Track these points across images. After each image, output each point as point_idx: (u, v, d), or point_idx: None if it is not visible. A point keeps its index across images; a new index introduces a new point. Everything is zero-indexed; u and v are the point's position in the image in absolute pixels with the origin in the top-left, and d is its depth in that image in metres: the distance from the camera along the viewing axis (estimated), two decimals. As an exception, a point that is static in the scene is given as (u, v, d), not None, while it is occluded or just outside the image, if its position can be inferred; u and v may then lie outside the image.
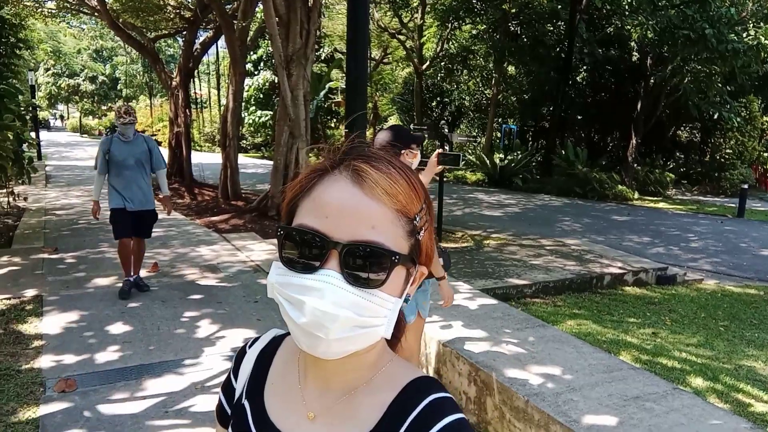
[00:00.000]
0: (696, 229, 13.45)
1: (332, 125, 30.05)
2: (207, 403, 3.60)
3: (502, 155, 21.84)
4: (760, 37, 14.92)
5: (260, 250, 7.55)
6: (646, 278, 8.43)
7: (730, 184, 20.74)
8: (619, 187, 18.38)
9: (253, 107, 28.17)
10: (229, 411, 0.95)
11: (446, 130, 26.65)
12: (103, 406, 3.46)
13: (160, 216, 6.11)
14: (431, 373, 3.51)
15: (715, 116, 18.65)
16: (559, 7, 21.48)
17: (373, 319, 0.74)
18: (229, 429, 0.91)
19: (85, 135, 50.41)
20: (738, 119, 18.81)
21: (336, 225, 0.72)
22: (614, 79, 22.98)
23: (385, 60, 29.85)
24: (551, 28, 23.36)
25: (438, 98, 29.75)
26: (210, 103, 32.81)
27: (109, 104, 52.84)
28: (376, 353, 0.83)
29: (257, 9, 14.25)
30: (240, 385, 0.94)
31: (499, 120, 27.87)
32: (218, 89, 23.36)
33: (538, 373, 3.14)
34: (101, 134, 47.13)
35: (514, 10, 22.27)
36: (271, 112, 25.83)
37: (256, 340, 0.97)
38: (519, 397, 2.90)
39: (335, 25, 26.91)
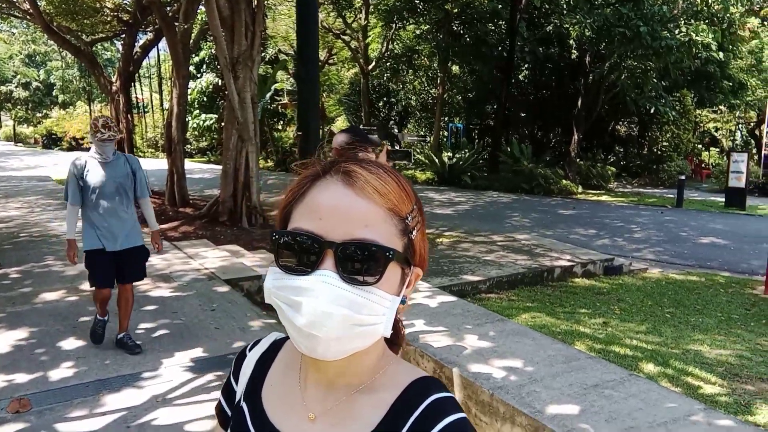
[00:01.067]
0: (638, 220, 13.97)
1: (279, 127, 29.76)
2: (169, 415, 3.52)
3: (450, 154, 22.14)
4: (691, 33, 15.63)
5: (214, 257, 7.42)
6: (594, 269, 8.71)
7: (668, 176, 21.65)
8: (564, 181, 18.91)
9: (197, 111, 27.62)
10: (229, 413, 0.95)
11: (396, 130, 26.84)
12: (60, 424, 3.34)
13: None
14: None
15: (652, 110, 19.41)
16: (500, 6, 21.90)
17: (371, 317, 0.74)
18: (228, 431, 0.91)
19: (20, 144, 48.30)
20: (673, 113, 19.64)
21: (329, 225, 0.74)
22: (555, 76, 23.64)
23: (331, 61, 29.78)
24: (493, 28, 23.81)
25: (384, 98, 29.89)
26: (152, 108, 31.98)
27: (45, 111, 50.81)
28: (376, 355, 0.84)
29: (199, 11, 14.00)
30: (240, 387, 0.94)
31: (446, 119, 28.25)
32: (160, 93, 22.82)
33: (500, 367, 3.22)
34: (37, 143, 45.27)
35: (456, 10, 22.57)
36: (216, 116, 25.38)
37: (256, 343, 0.97)
38: (484, 391, 2.96)
39: (278, 26, 26.68)
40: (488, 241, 9.93)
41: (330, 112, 33.28)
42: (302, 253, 0.74)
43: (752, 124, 25.94)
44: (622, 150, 25.60)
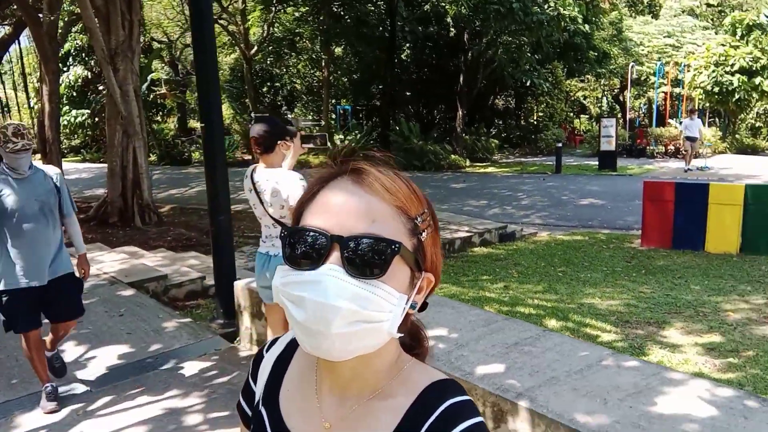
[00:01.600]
0: (523, 188, 14.83)
1: (159, 119, 28.39)
2: (95, 428, 3.38)
3: (341, 136, 22.22)
4: (559, 8, 16.64)
5: (111, 260, 7.06)
6: (490, 238, 9.19)
7: (545, 144, 23.05)
8: (452, 156, 19.60)
9: (67, 107, 25.70)
10: (249, 413, 0.96)
11: (289, 116, 26.49)
12: (-28, 454, 3.11)
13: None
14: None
15: (528, 83, 20.51)
16: (377, -14, 22.11)
17: (376, 314, 0.73)
18: (250, 429, 0.92)
19: None
20: (547, 84, 20.87)
21: (337, 221, 0.74)
22: (435, 54, 24.27)
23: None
24: (372, 8, 24.01)
25: (268, 83, 29.34)
26: (18, 106, 29.34)
27: None
28: (390, 357, 0.83)
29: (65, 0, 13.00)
30: (259, 389, 0.94)
31: (333, 101, 28.24)
32: (26, 91, 20.98)
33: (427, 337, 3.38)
34: None
35: (335, -9, 22.56)
36: (88, 111, 23.76)
37: (273, 342, 0.98)
38: (416, 362, 3.11)
39: (150, 12, 25.30)
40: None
41: (212, 101, 32.12)
42: (310, 249, 0.75)
43: (616, 90, 28.15)
44: (501, 123, 26.90)
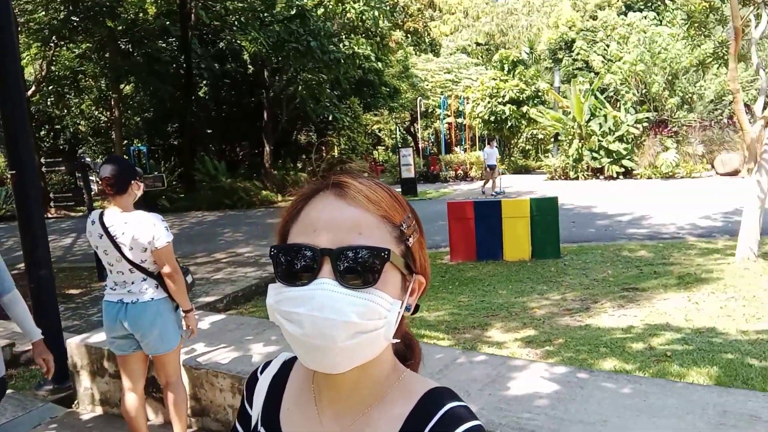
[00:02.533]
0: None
1: None
2: None
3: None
4: (353, 46, 17.67)
5: None
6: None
7: (351, 175, 23.97)
8: (264, 192, 19.57)
9: None
10: None
11: (87, 159, 24.22)
12: None
13: None
14: (189, 401, 3.48)
15: (330, 118, 21.33)
16: (168, 23, 21.45)
17: (372, 322, 0.74)
18: None
19: None
20: (347, 119, 21.89)
21: (325, 236, 0.75)
22: (235, 91, 24.15)
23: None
24: (164, 45, 23.20)
25: (47, 126, 26.63)
26: None
27: None
28: (387, 368, 0.85)
29: None
30: (255, 412, 0.93)
31: (125, 142, 26.49)
32: None
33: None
34: None
35: (121, 28, 21.38)
36: None
37: (267, 365, 0.97)
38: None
39: None
40: (212, 260, 9.88)
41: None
42: (300, 265, 0.75)
43: (407, 122, 30.41)
44: (305, 157, 27.49)
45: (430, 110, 26.86)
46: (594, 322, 5.82)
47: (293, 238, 0.79)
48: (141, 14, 21.09)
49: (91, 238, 3.19)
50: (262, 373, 0.96)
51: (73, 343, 4.11)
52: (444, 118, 25.49)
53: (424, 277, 0.84)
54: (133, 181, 3.17)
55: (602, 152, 19.54)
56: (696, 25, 9.34)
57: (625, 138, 19.61)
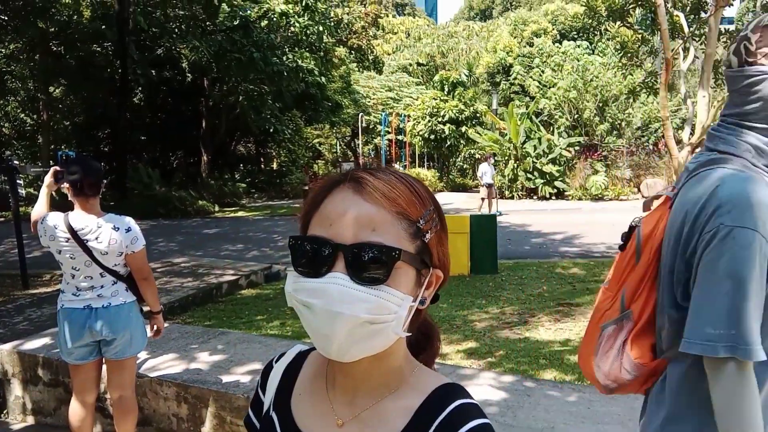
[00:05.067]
0: (278, 230, 15.16)
1: None
2: None
3: (68, 185, 20.01)
4: (297, 60, 17.63)
5: None
6: (256, 279, 9.24)
7: (291, 188, 23.85)
8: (200, 202, 19.12)
9: None
10: (257, 424, 0.96)
11: (15, 162, 22.93)
12: None
13: None
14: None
15: (271, 130, 21.12)
16: (104, 27, 20.77)
17: (381, 316, 0.77)
18: None
19: None
20: (289, 132, 21.74)
21: (340, 230, 0.77)
22: (172, 99, 23.58)
23: None
24: (99, 49, 22.43)
25: (-37, 127, 25.19)
26: None
27: None
28: (399, 359, 0.87)
29: None
30: (268, 398, 0.96)
31: (52, 147, 25.34)
32: None
33: (243, 372, 3.38)
34: None
35: (53, 29, 20.55)
36: None
37: (282, 355, 1.01)
38: (238, 397, 3.10)
39: None
40: (146, 270, 9.55)
41: None
42: (315, 257, 0.78)
43: (348, 137, 30.51)
44: (243, 168, 27.11)
45: (371, 126, 27.07)
46: (532, 335, 5.98)
47: (312, 229, 0.81)
48: (75, 16, 20.35)
49: (52, 242, 3.02)
50: (277, 362, 1.00)
51: (4, 351, 3.88)
52: (385, 135, 25.74)
53: (442, 271, 0.85)
54: (104, 182, 3.07)
55: (536, 173, 20.21)
56: (628, 55, 9.87)
57: (558, 160, 20.36)
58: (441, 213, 0.86)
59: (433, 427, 0.80)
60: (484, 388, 3.14)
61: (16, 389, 3.88)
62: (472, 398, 0.84)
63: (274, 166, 27.65)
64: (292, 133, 23.44)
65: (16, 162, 10.63)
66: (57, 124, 24.97)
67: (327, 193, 0.83)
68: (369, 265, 0.76)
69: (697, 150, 8.30)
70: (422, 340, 0.93)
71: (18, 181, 9.26)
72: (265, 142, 25.62)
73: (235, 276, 8.89)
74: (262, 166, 27.33)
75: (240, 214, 19.32)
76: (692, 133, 8.38)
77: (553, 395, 3.11)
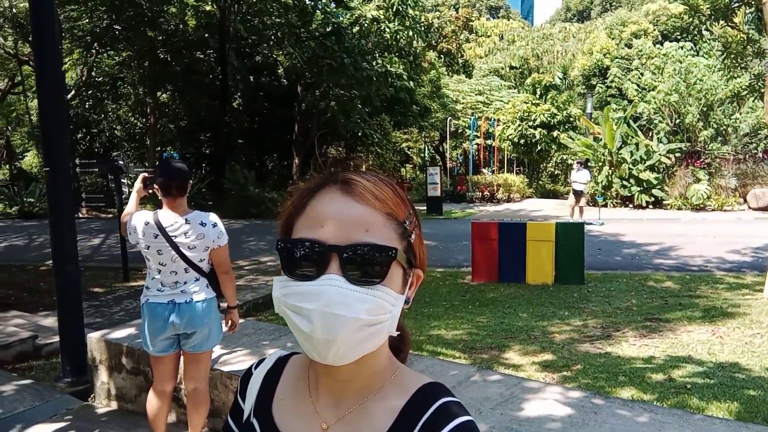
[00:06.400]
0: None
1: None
2: None
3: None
4: (386, 65, 17.83)
5: None
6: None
7: (379, 191, 24.05)
8: (290, 203, 19.71)
9: None
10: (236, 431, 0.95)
11: (121, 162, 24.83)
12: None
13: None
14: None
15: (360, 134, 21.48)
16: (207, 35, 21.94)
17: (378, 316, 0.77)
18: None
19: None
20: (377, 135, 22.01)
21: (332, 232, 0.76)
22: (268, 103, 24.52)
23: (16, 90, 26.15)
24: (202, 56, 23.72)
25: (83, 129, 27.32)
26: None
27: None
28: (384, 360, 0.87)
29: None
30: (248, 405, 0.94)
31: (159, 149, 27.06)
32: None
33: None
34: None
35: (161, 38, 21.95)
36: None
37: (261, 361, 1.00)
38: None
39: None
40: (234, 267, 9.94)
41: (18, 146, 29.17)
42: (308, 260, 0.76)
43: (436, 142, 30.48)
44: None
45: (459, 130, 26.88)
46: (614, 350, 5.72)
47: (298, 232, 0.81)
48: (181, 25, 21.63)
49: (142, 238, 3.21)
50: (256, 368, 0.98)
51: (94, 338, 4.19)
52: (473, 139, 25.48)
53: (421, 270, 0.86)
54: (190, 182, 3.27)
55: (632, 180, 19.28)
56: (732, 56, 9.23)
57: (656, 167, 19.34)
58: (417, 214, 0.87)
59: (418, 427, 0.80)
60: (549, 402, 3.04)
61: (102, 375, 4.18)
62: (454, 396, 0.84)
63: (363, 169, 28.04)
64: (381, 137, 23.71)
65: (121, 162, 11.43)
66: (163, 127, 26.64)
67: (312, 196, 0.82)
68: (366, 265, 0.76)
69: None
70: (398, 341, 0.91)
71: (122, 180, 9.94)
72: (354, 146, 26.09)
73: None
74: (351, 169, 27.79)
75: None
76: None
77: (623, 414, 2.96)
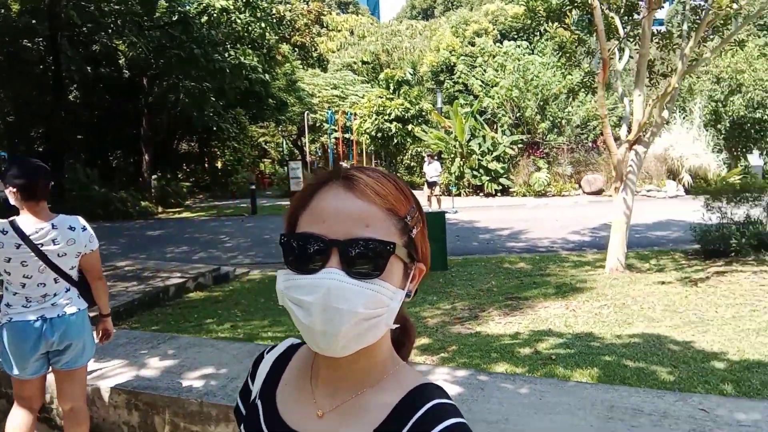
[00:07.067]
0: (225, 231, 14.89)
1: None
2: None
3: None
4: (240, 57, 17.34)
5: None
6: (205, 281, 9.06)
7: (237, 187, 23.43)
8: (143, 203, 18.57)
9: None
10: (244, 411, 0.99)
11: None
12: None
13: None
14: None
15: (214, 128, 20.69)
16: (34, 22, 19.85)
17: (377, 310, 0.79)
18: (241, 427, 0.96)
19: None
20: (234, 129, 21.33)
21: (333, 227, 0.79)
22: (110, 96, 22.78)
23: None
24: (30, 45, 21.43)
25: None
26: None
27: None
28: (384, 354, 0.89)
29: None
30: (256, 387, 0.98)
31: (-18, 148, 24.13)
32: None
33: (195, 377, 3.31)
34: None
35: (-23, 24, 19.50)
36: None
37: (273, 347, 1.03)
38: (192, 402, 3.04)
39: None
40: (87, 274, 9.21)
41: None
42: (309, 254, 0.79)
43: (294, 136, 30.22)
44: (186, 167, 26.48)
45: (317, 124, 26.88)
46: (483, 329, 6.10)
47: (302, 227, 0.82)
48: (2, 10, 19.36)
49: (6, 250, 2.85)
50: (268, 353, 1.03)
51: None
52: (332, 133, 25.63)
53: (424, 265, 0.89)
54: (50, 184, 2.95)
55: (482, 170, 20.55)
56: (567, 55, 10.15)
57: (502, 158, 20.77)
58: (422, 210, 0.90)
59: (409, 424, 0.81)
60: (439, 383, 3.18)
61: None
62: (450, 399, 0.86)
63: (219, 165, 27.10)
64: (237, 131, 23.03)
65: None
66: (-14, 123, 23.79)
67: (316, 191, 0.84)
68: (365, 259, 0.78)
69: (635, 147, 8.63)
70: (401, 333, 0.94)
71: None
72: (208, 141, 25.09)
73: (182, 279, 8.69)
74: (206, 165, 26.76)
75: (185, 215, 18.89)
76: (629, 131, 8.69)
77: (506, 387, 3.19)
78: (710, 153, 19.88)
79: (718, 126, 20.44)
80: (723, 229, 9.28)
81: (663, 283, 7.77)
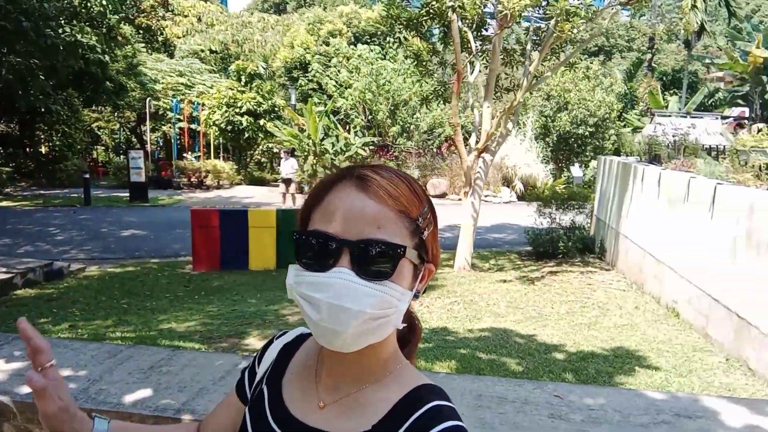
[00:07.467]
0: (54, 223, 13.53)
1: None
2: None
3: None
4: (76, 34, 15.83)
5: None
6: (35, 278, 8.21)
7: (66, 175, 21.33)
8: (-50, 188, 16.26)
9: None
10: (248, 390, 1.03)
11: None
12: None
13: None
14: None
15: (42, 109, 18.67)
16: None
17: (384, 310, 0.80)
18: (247, 409, 0.98)
19: None
20: (66, 112, 19.37)
21: (345, 227, 0.80)
22: None
23: None
24: None
25: None
26: None
27: None
28: (388, 352, 0.90)
29: None
30: (262, 370, 1.01)
31: None
32: None
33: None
34: None
35: None
36: None
37: (284, 333, 1.05)
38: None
39: None
40: None
41: None
42: (320, 252, 0.80)
43: (133, 123, 28.20)
44: (4, 151, 23.59)
45: (160, 112, 25.33)
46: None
47: (314, 224, 0.83)
48: None
49: None
50: (278, 338, 1.06)
51: None
52: (176, 122, 24.31)
53: (434, 265, 0.90)
54: None
55: (334, 170, 20.64)
56: (424, 63, 10.62)
57: (354, 158, 21.15)
58: (434, 210, 0.91)
59: (408, 423, 0.82)
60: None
61: None
62: (449, 401, 0.87)
63: (43, 150, 24.48)
64: (69, 114, 20.95)
65: None
66: None
67: (329, 189, 0.85)
68: (375, 261, 0.79)
69: (483, 155, 9.27)
70: (407, 332, 0.96)
71: None
72: (32, 123, 22.57)
73: (8, 274, 7.79)
74: (28, 149, 24.04)
75: (5, 203, 16.84)
76: (478, 140, 9.32)
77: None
78: (540, 163, 21.89)
79: (547, 139, 22.53)
80: (552, 233, 10.30)
81: (504, 281, 8.44)
